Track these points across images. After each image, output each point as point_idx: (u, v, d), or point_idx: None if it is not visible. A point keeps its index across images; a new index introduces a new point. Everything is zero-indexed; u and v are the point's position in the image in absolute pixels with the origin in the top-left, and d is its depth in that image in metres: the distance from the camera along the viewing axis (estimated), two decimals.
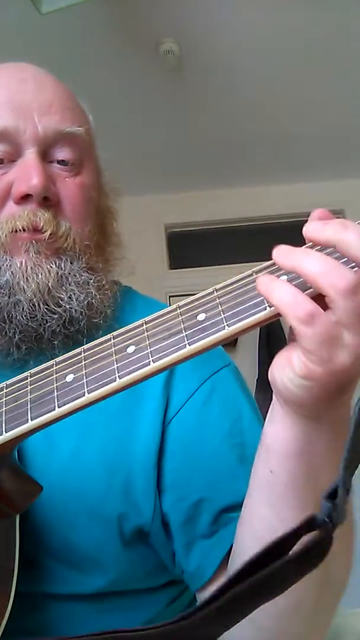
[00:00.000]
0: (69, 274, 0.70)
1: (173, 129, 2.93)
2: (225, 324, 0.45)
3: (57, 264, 0.69)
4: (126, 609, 0.70)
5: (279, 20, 2.30)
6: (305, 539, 0.36)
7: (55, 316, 0.68)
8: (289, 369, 0.45)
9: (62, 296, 0.69)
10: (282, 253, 0.45)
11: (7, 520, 0.60)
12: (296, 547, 0.36)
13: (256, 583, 0.33)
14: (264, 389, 3.05)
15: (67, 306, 0.69)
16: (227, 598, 0.33)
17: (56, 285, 0.69)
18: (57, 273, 0.69)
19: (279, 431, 0.50)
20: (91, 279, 0.71)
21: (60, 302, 0.69)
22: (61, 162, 0.72)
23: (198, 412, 0.71)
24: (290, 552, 0.35)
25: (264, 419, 0.59)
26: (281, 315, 0.44)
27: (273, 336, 3.07)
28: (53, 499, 0.64)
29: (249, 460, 0.69)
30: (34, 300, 0.67)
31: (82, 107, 0.79)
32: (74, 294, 0.69)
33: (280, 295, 0.43)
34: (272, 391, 0.49)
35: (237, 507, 0.66)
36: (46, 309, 0.68)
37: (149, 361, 0.46)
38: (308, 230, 0.45)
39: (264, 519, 0.54)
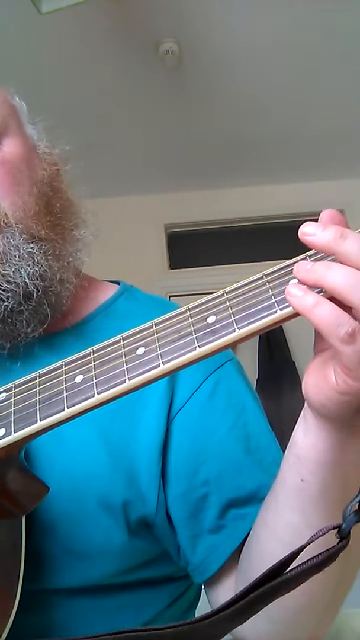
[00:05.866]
0: (10, 249, 0.70)
1: (173, 129, 2.93)
2: (235, 326, 0.45)
3: None
4: (128, 606, 0.70)
5: (279, 20, 2.31)
6: (320, 542, 0.36)
7: (9, 294, 0.69)
8: (326, 387, 0.45)
9: (9, 272, 0.69)
10: (303, 269, 0.44)
11: (13, 519, 0.60)
12: (315, 552, 0.36)
13: (273, 587, 0.34)
14: (264, 388, 3.07)
15: (18, 281, 0.69)
16: (245, 601, 0.33)
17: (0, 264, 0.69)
18: None
19: (315, 443, 0.50)
20: (35, 249, 0.72)
21: (9, 278, 0.69)
22: None
23: (203, 405, 0.72)
24: (312, 560, 0.36)
25: (267, 417, 0.58)
26: (293, 318, 0.44)
27: (273, 335, 3.07)
28: (61, 490, 0.65)
29: (254, 452, 0.70)
30: None
31: None
32: (22, 267, 0.70)
33: (322, 314, 0.42)
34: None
35: (242, 501, 0.67)
36: None
37: (159, 363, 0.46)
38: (304, 233, 0.43)
39: (290, 524, 0.54)
